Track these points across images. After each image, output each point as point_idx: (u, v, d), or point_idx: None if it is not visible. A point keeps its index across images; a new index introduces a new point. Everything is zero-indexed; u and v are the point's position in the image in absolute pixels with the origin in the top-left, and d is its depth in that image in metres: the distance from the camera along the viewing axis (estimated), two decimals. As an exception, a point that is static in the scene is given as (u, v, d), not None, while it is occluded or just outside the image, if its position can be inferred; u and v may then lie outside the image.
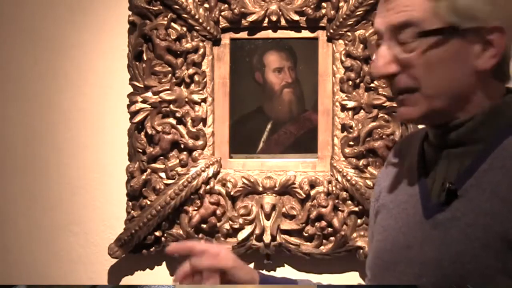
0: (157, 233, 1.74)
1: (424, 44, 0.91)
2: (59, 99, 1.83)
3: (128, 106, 1.75)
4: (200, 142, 1.73)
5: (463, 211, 0.89)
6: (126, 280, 1.81)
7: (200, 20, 1.71)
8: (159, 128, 1.73)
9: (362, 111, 1.71)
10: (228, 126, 1.77)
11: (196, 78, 1.73)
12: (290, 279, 1.26)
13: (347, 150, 1.71)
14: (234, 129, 1.77)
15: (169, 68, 1.74)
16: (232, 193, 1.72)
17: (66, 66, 1.82)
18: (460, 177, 0.92)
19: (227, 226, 1.73)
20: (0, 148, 1.85)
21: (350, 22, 1.69)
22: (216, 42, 1.75)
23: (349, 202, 1.71)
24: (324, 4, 1.71)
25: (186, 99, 1.73)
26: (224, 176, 1.74)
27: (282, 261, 1.77)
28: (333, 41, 1.72)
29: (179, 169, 1.74)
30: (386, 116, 1.70)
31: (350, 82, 1.70)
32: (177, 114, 1.73)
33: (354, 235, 1.70)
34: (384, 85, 1.69)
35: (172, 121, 1.74)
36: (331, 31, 1.70)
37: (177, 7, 1.71)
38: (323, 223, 1.70)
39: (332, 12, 1.69)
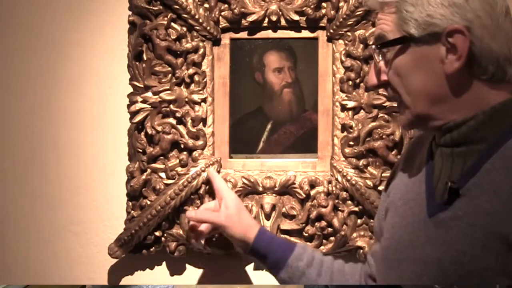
0: (157, 233, 1.74)
1: (391, 54, 0.97)
2: (59, 99, 1.83)
3: (128, 106, 1.75)
4: (200, 142, 1.73)
5: (464, 210, 0.90)
6: (126, 280, 1.81)
7: (200, 20, 1.71)
8: (159, 128, 1.73)
9: (362, 111, 1.71)
10: (228, 126, 1.77)
11: (196, 78, 1.73)
12: (288, 244, 1.29)
13: (347, 150, 1.71)
14: (234, 129, 1.78)
15: (169, 68, 1.74)
16: (232, 193, 1.72)
17: (66, 66, 1.82)
18: (463, 176, 0.93)
19: (227, 226, 1.73)
20: (0, 148, 1.85)
21: (350, 22, 1.69)
22: (216, 42, 1.75)
23: (349, 202, 1.71)
24: (324, 4, 1.71)
25: (186, 99, 1.73)
26: (224, 176, 1.74)
27: (282, 261, 1.76)
28: (333, 41, 1.72)
29: (179, 169, 1.74)
30: (386, 116, 1.70)
31: (350, 82, 1.70)
32: (177, 114, 1.73)
33: (354, 235, 1.70)
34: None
35: (172, 121, 1.74)
36: (331, 31, 1.71)
37: (177, 7, 1.71)
38: (323, 223, 1.70)
39: (332, 12, 1.69)
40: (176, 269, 1.81)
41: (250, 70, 1.77)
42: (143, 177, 1.73)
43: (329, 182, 1.71)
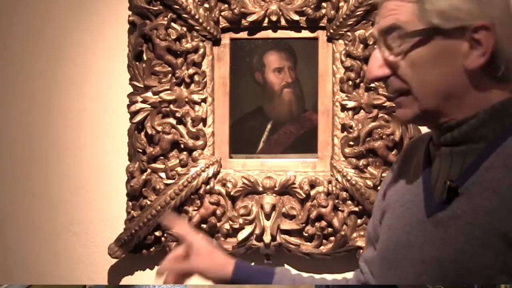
0: (157, 233, 1.74)
1: (409, 46, 0.93)
2: (59, 99, 1.83)
3: (128, 106, 1.75)
4: (200, 142, 1.73)
5: (463, 209, 0.89)
6: (126, 280, 1.81)
7: (200, 20, 1.71)
8: (159, 128, 1.73)
9: (362, 111, 1.71)
10: (228, 126, 1.77)
11: (196, 78, 1.73)
12: (268, 272, 1.27)
13: (347, 150, 1.71)
14: (234, 129, 1.77)
15: (169, 68, 1.74)
16: (232, 193, 1.72)
17: (66, 66, 1.82)
18: (462, 175, 0.92)
19: (227, 226, 1.73)
20: (0, 148, 1.85)
21: (350, 22, 1.69)
22: (216, 42, 1.75)
23: (349, 202, 1.71)
24: (324, 4, 1.71)
25: (186, 99, 1.73)
26: (224, 176, 1.74)
27: (282, 261, 1.76)
28: (333, 41, 1.72)
29: (179, 169, 1.74)
30: (386, 116, 1.70)
31: (350, 82, 1.70)
32: (177, 114, 1.73)
33: (354, 235, 1.70)
34: (384, 85, 1.69)
35: (172, 121, 1.74)
36: (331, 31, 1.70)
37: (177, 7, 1.71)
38: (323, 223, 1.70)
39: (332, 12, 1.69)
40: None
41: (250, 70, 1.77)
42: (143, 177, 1.73)
43: (329, 182, 1.71)
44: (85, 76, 1.82)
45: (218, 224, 1.73)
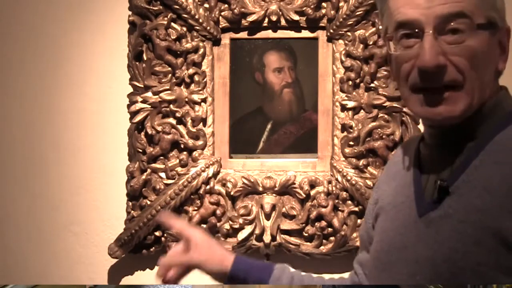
0: (157, 233, 1.74)
1: (475, 36, 0.89)
2: (59, 99, 1.83)
3: (128, 106, 1.75)
4: (200, 142, 1.73)
5: (455, 208, 0.89)
6: (126, 280, 1.81)
7: (200, 20, 1.71)
8: (159, 128, 1.73)
9: (362, 111, 1.71)
10: (228, 126, 1.77)
11: (196, 78, 1.73)
12: (267, 267, 1.27)
13: (347, 150, 1.71)
14: (234, 129, 1.77)
15: (169, 68, 1.74)
16: (232, 193, 1.72)
17: (66, 66, 1.82)
18: (452, 174, 0.92)
19: (227, 226, 1.73)
20: (0, 148, 1.85)
21: (350, 22, 1.69)
22: (216, 42, 1.75)
23: (349, 202, 1.71)
24: (324, 4, 1.71)
25: (186, 99, 1.73)
26: (224, 176, 1.74)
27: (282, 261, 1.73)
28: (333, 41, 1.72)
29: (179, 169, 1.74)
30: (386, 116, 1.70)
31: (350, 82, 1.70)
32: (177, 114, 1.73)
33: (354, 235, 1.70)
34: (384, 85, 1.69)
35: (172, 121, 1.74)
36: (331, 31, 1.70)
37: (177, 7, 1.71)
38: (323, 223, 1.70)
39: (332, 12, 1.69)
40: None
41: (250, 70, 1.77)
42: (143, 177, 1.73)
43: (329, 182, 1.71)
44: (85, 76, 1.82)
45: (218, 224, 1.73)
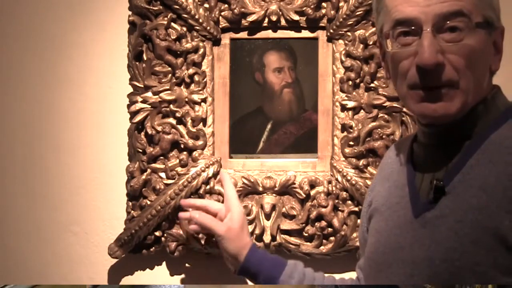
0: (157, 233, 1.74)
1: (472, 35, 0.89)
2: (59, 99, 1.83)
3: (128, 106, 1.75)
4: (200, 142, 1.73)
5: (451, 208, 0.89)
6: (126, 280, 1.81)
7: (200, 20, 1.71)
8: (159, 128, 1.73)
9: (362, 111, 1.71)
10: (228, 126, 1.77)
11: (196, 78, 1.73)
12: (279, 262, 1.27)
13: (347, 150, 1.71)
14: (234, 129, 1.78)
15: (169, 68, 1.74)
16: (232, 193, 1.72)
17: (66, 66, 1.82)
18: (448, 174, 0.92)
19: (227, 226, 1.73)
20: (0, 148, 1.85)
21: (350, 22, 1.69)
22: (216, 42, 1.75)
23: (349, 202, 1.71)
24: (324, 4, 1.71)
25: (186, 99, 1.73)
26: (224, 176, 1.74)
27: (282, 261, 1.76)
28: (333, 41, 1.72)
29: (179, 169, 1.74)
30: (386, 116, 1.70)
31: (350, 82, 1.70)
32: (177, 114, 1.73)
33: (354, 235, 1.70)
34: (384, 85, 1.69)
35: (172, 121, 1.74)
36: (331, 31, 1.71)
37: (177, 7, 1.71)
38: (323, 223, 1.70)
39: (332, 12, 1.69)
40: (176, 269, 1.80)
41: (250, 70, 1.77)
42: (143, 177, 1.73)
43: (329, 182, 1.71)
44: (85, 76, 1.82)
45: (218, 224, 1.72)
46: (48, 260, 1.84)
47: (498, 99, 0.96)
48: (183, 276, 1.80)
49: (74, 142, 1.82)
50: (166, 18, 1.72)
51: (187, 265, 1.80)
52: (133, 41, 1.74)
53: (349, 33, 1.70)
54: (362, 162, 1.70)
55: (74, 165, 1.82)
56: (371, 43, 1.68)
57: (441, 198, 0.91)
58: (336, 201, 1.70)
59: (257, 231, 1.72)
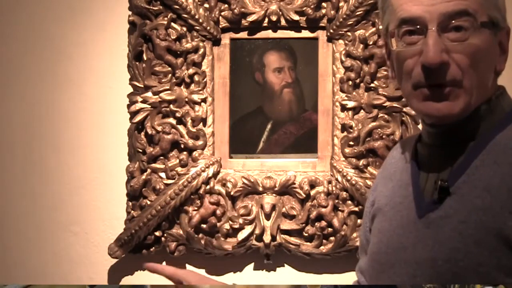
0: (157, 233, 1.74)
1: (477, 35, 0.89)
2: (59, 99, 1.83)
3: (128, 106, 1.75)
4: (200, 142, 1.73)
5: (455, 208, 0.89)
6: (126, 280, 1.81)
7: (200, 20, 1.71)
8: (159, 128, 1.73)
9: (362, 111, 1.71)
10: (228, 126, 1.77)
11: (196, 78, 1.73)
12: None
13: (347, 150, 1.71)
14: (234, 129, 1.77)
15: (169, 68, 1.74)
16: (232, 193, 1.72)
17: (66, 65, 1.82)
18: (452, 174, 0.92)
19: (227, 226, 1.73)
20: (0, 148, 1.85)
21: (350, 22, 1.69)
22: (216, 42, 1.75)
23: (349, 202, 1.71)
24: (324, 4, 1.71)
25: (186, 99, 1.73)
26: (224, 176, 1.74)
27: (282, 261, 1.77)
28: (333, 41, 1.72)
29: (179, 169, 1.74)
30: (386, 116, 1.70)
31: (350, 82, 1.70)
32: (177, 114, 1.73)
33: (354, 235, 1.70)
34: (384, 85, 1.69)
35: (172, 121, 1.74)
36: (331, 31, 1.70)
37: (177, 7, 1.71)
38: (323, 223, 1.70)
39: (332, 12, 1.69)
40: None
41: (250, 70, 1.77)
42: (143, 177, 1.73)
43: (329, 182, 1.71)
44: (85, 76, 1.82)
45: (218, 224, 1.72)
46: (48, 260, 1.84)
47: (503, 99, 0.95)
48: (183, 276, 1.80)
49: (74, 142, 1.82)
50: (166, 18, 1.72)
51: (187, 265, 1.80)
52: (133, 41, 1.74)
53: (349, 33, 1.70)
54: (362, 162, 1.70)
55: (74, 165, 1.82)
56: (371, 43, 1.68)
57: (445, 198, 0.90)
58: (336, 201, 1.70)
59: (257, 231, 1.72)
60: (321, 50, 1.73)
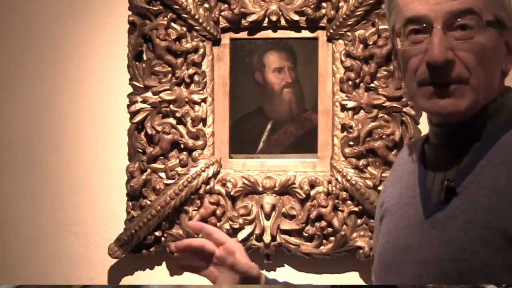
0: (157, 233, 1.74)
1: (483, 34, 0.89)
2: (59, 99, 1.83)
3: (128, 106, 1.75)
4: (200, 142, 1.73)
5: (462, 209, 0.89)
6: (126, 280, 1.81)
7: (200, 20, 1.71)
8: (159, 128, 1.73)
9: (362, 111, 1.71)
10: (228, 126, 1.77)
11: (196, 78, 1.73)
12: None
13: (347, 150, 1.71)
14: (234, 129, 1.77)
15: (169, 68, 1.74)
16: (232, 193, 1.72)
17: (66, 66, 1.82)
18: (459, 174, 0.92)
19: (227, 226, 1.73)
20: (0, 148, 1.85)
21: (350, 22, 1.69)
22: (216, 42, 1.75)
23: (349, 202, 1.71)
24: (324, 4, 1.71)
25: (186, 99, 1.73)
26: (224, 176, 1.74)
27: (282, 261, 1.77)
28: (333, 41, 1.72)
29: (179, 169, 1.74)
30: (386, 116, 1.70)
31: (350, 82, 1.70)
32: (177, 114, 1.73)
33: (354, 235, 1.70)
34: (384, 85, 1.69)
35: (172, 121, 1.74)
36: (331, 31, 1.70)
37: (177, 7, 1.71)
38: (323, 223, 1.70)
39: (332, 12, 1.69)
40: (176, 269, 1.80)
41: (250, 70, 1.77)
42: (143, 177, 1.73)
43: (329, 182, 1.71)
44: (85, 76, 1.82)
45: (218, 224, 1.72)
46: (48, 260, 1.84)
47: (510, 100, 0.95)
48: (183, 276, 1.80)
49: (74, 142, 1.82)
50: (166, 18, 1.72)
51: (187, 265, 1.80)
52: (133, 41, 1.74)
53: (349, 33, 1.70)
54: (362, 162, 1.70)
55: (74, 165, 1.82)
56: (371, 43, 1.68)
57: (452, 198, 0.91)
58: (336, 201, 1.70)
59: (257, 231, 1.72)
60: (321, 50, 1.73)
